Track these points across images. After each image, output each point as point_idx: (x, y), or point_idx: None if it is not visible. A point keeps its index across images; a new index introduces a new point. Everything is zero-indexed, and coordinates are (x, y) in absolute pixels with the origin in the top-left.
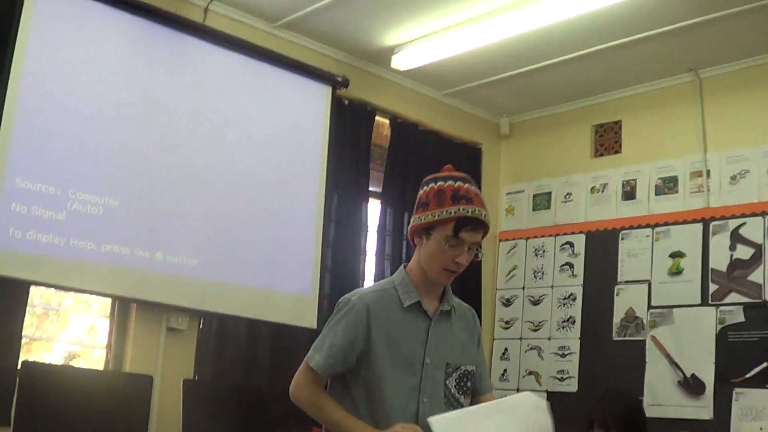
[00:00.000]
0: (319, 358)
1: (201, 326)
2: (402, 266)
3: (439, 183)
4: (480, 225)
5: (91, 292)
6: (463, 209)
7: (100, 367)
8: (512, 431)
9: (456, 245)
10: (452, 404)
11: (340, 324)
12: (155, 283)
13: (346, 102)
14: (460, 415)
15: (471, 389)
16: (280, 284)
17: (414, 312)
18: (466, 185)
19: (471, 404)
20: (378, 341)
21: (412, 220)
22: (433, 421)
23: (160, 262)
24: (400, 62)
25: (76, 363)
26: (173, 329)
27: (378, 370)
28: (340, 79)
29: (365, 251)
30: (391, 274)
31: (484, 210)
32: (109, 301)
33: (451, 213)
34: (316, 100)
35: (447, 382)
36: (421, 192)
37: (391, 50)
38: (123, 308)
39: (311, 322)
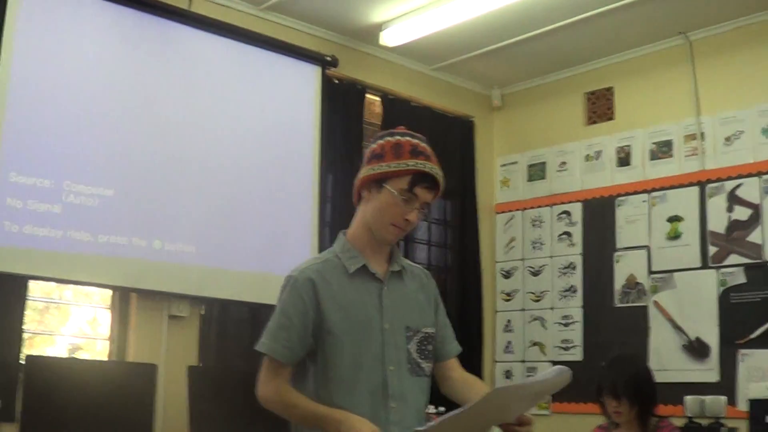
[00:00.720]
0: (276, 345)
1: (203, 313)
2: (340, 233)
3: (397, 137)
4: (435, 184)
5: (90, 284)
6: (421, 164)
7: (104, 358)
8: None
9: (409, 200)
10: (415, 370)
11: (288, 304)
12: (154, 271)
13: (336, 81)
14: (446, 424)
15: (433, 352)
16: (280, 266)
17: (362, 277)
18: (424, 144)
19: (434, 370)
20: (329, 313)
21: (362, 172)
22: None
23: (158, 250)
24: (388, 39)
25: (80, 355)
26: (175, 317)
27: (334, 342)
28: (329, 59)
29: None
30: None
31: (440, 170)
32: (109, 292)
33: (408, 166)
34: (306, 80)
35: (408, 346)
36: (374, 145)
37: (379, 27)
38: (123, 298)
39: None
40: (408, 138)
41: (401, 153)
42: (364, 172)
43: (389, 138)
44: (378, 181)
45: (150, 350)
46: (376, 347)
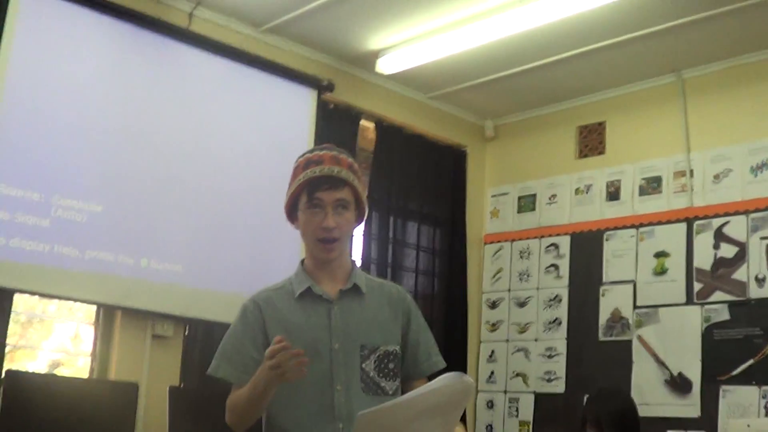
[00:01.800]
0: (232, 370)
1: (186, 333)
2: (300, 261)
3: (298, 159)
4: (337, 181)
5: (75, 300)
6: (311, 171)
7: (85, 375)
8: (434, 421)
9: (316, 208)
10: (372, 389)
11: (237, 330)
12: (140, 289)
13: (332, 106)
14: (387, 408)
15: (396, 371)
16: None
17: (308, 299)
18: (323, 152)
19: (403, 387)
20: (273, 336)
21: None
22: (359, 415)
23: (144, 268)
24: (384, 66)
25: (60, 371)
26: (158, 336)
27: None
28: (325, 83)
29: (351, 256)
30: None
31: (339, 167)
32: (93, 308)
33: (299, 180)
34: (302, 104)
35: (364, 365)
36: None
37: (376, 54)
38: (108, 315)
39: None
40: (307, 154)
41: (296, 173)
42: (285, 207)
43: (299, 158)
44: (293, 208)
45: (132, 369)
46: (324, 367)
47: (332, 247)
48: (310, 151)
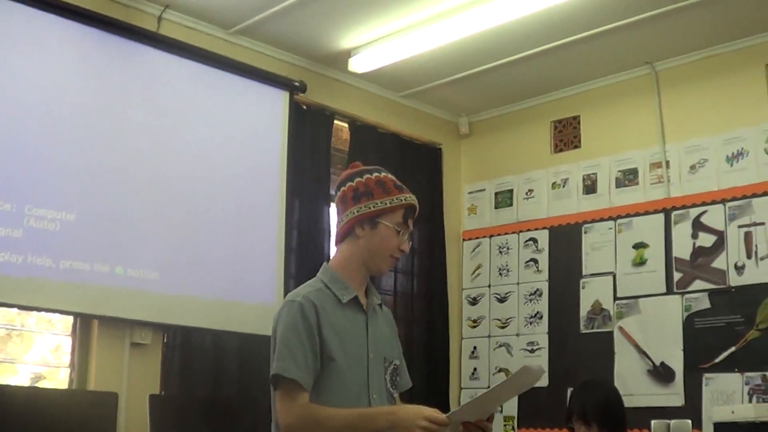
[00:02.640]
0: (298, 370)
1: (165, 340)
2: (325, 265)
3: (375, 174)
4: (416, 215)
5: (50, 311)
6: (409, 197)
7: (66, 386)
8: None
9: (404, 232)
10: (390, 400)
11: (300, 328)
12: (117, 298)
13: (305, 107)
14: (471, 404)
15: (399, 383)
16: (244, 294)
17: (352, 307)
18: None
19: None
20: (329, 339)
21: (352, 211)
22: (451, 415)
23: (120, 276)
24: (357, 65)
25: (43, 384)
26: (137, 344)
27: (335, 368)
28: (297, 84)
29: (329, 256)
30: None
31: None
32: (71, 318)
33: (401, 200)
34: (274, 105)
35: (385, 376)
36: (352, 183)
37: (348, 53)
38: (85, 325)
39: None
40: (384, 173)
41: (388, 189)
42: (357, 210)
43: (368, 176)
44: (373, 218)
45: (111, 378)
46: (363, 376)
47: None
48: (384, 171)
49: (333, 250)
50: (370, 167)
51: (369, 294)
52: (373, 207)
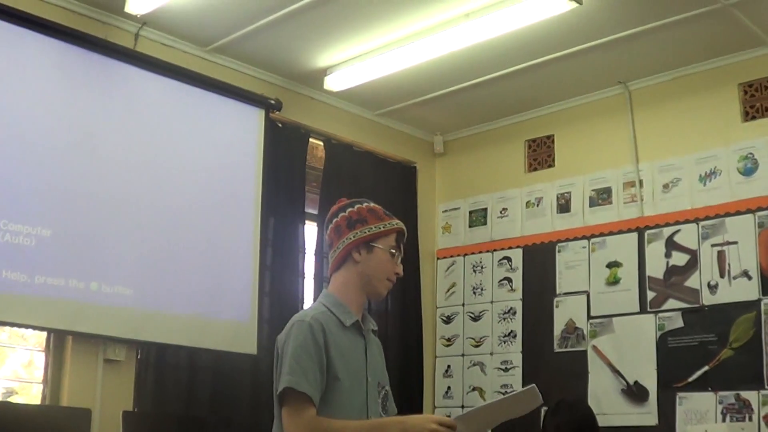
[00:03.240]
0: (308, 385)
1: (139, 356)
2: (325, 290)
3: (365, 204)
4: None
5: (24, 326)
6: (399, 222)
7: (39, 402)
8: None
9: (397, 256)
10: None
11: (309, 345)
12: (91, 314)
13: (280, 125)
14: (478, 411)
15: (389, 409)
16: (219, 311)
17: (353, 331)
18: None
19: None
20: (335, 359)
21: (348, 237)
22: (457, 418)
23: (95, 292)
24: (332, 83)
25: (15, 399)
26: (111, 360)
27: (339, 388)
28: (273, 102)
29: (303, 274)
30: None
31: None
32: (44, 334)
33: (393, 225)
34: (250, 123)
35: (379, 400)
36: (345, 213)
37: (324, 72)
38: (59, 341)
39: (251, 348)
40: (373, 204)
41: (380, 215)
42: (353, 236)
43: (359, 205)
44: (368, 243)
45: (85, 394)
46: (363, 397)
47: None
48: (372, 202)
49: (308, 267)
50: (359, 199)
51: (365, 320)
52: (368, 231)
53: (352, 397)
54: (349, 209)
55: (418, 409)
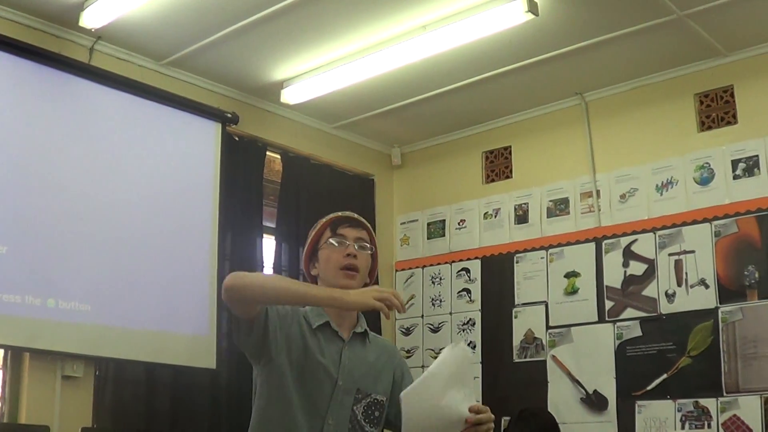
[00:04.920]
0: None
1: (97, 373)
2: None
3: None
4: (357, 222)
5: None
6: (331, 215)
7: None
8: (460, 393)
9: (340, 241)
10: (356, 430)
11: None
12: (48, 330)
13: (237, 138)
14: (421, 381)
15: (380, 419)
16: (177, 325)
17: (325, 333)
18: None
19: None
20: (288, 349)
21: (303, 261)
22: (403, 394)
23: (52, 308)
24: (289, 96)
25: None
26: (69, 377)
27: (282, 381)
28: (229, 116)
29: None
30: None
31: (358, 217)
32: (1, 351)
33: (322, 221)
34: (207, 137)
35: (354, 407)
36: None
37: (280, 85)
38: (16, 358)
39: (210, 363)
40: (322, 218)
41: (316, 225)
42: (304, 259)
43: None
44: (313, 252)
45: (43, 411)
46: (324, 398)
47: (355, 275)
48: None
49: None
50: None
51: (360, 324)
52: (308, 244)
53: (301, 393)
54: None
55: None
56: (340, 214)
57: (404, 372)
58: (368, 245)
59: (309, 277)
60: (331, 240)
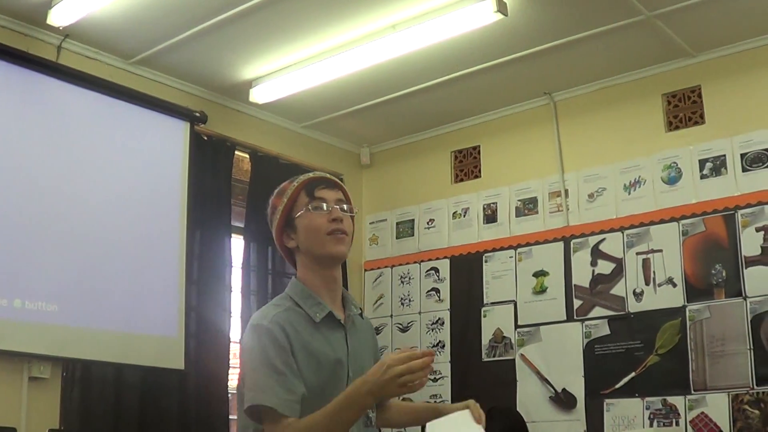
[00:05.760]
0: (278, 399)
1: (64, 373)
2: (293, 279)
3: (276, 190)
4: (333, 183)
5: None
6: (302, 177)
7: None
8: None
9: (320, 204)
10: (364, 419)
11: (270, 354)
12: (14, 331)
13: (205, 137)
14: (452, 420)
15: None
16: (145, 326)
17: (328, 324)
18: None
19: (377, 413)
20: (302, 364)
21: (274, 234)
22: (429, 426)
23: (18, 309)
24: (258, 96)
25: None
26: (36, 378)
27: (304, 402)
28: (198, 115)
29: (231, 287)
30: (258, 309)
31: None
32: None
33: (294, 185)
34: (175, 136)
35: None
36: (268, 210)
37: (249, 84)
38: None
39: (179, 363)
40: (280, 186)
41: (283, 190)
42: (273, 230)
43: (271, 198)
44: (288, 223)
45: (10, 413)
46: (340, 389)
47: (345, 239)
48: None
49: (235, 280)
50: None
51: (346, 304)
52: (279, 214)
53: (323, 402)
54: (267, 210)
55: None
56: (312, 175)
57: (377, 345)
58: (348, 206)
59: (283, 250)
60: (310, 205)
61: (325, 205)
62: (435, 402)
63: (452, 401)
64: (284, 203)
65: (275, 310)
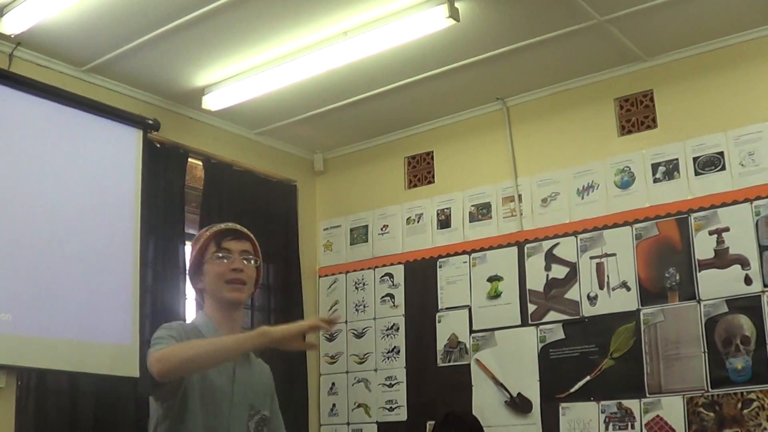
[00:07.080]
0: (165, 343)
1: (19, 383)
2: (201, 311)
3: (195, 236)
4: (240, 234)
5: None
6: (215, 227)
7: None
8: None
9: (224, 255)
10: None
11: (173, 331)
12: None
13: (158, 145)
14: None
15: None
16: (100, 334)
17: None
18: (221, 225)
19: None
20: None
21: (189, 279)
22: None
23: None
24: (211, 103)
25: None
26: None
27: (188, 404)
28: (150, 122)
29: (185, 295)
30: None
31: (241, 227)
32: None
33: (206, 235)
34: (127, 144)
35: (249, 423)
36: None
37: (202, 91)
38: None
39: (133, 371)
40: (203, 229)
41: (198, 238)
42: (189, 276)
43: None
44: (197, 265)
45: None
46: (224, 418)
47: (242, 288)
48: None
49: (189, 288)
50: None
51: None
52: (191, 261)
53: (206, 415)
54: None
55: (303, 428)
56: (222, 226)
57: (274, 394)
58: (253, 257)
59: (194, 289)
60: (216, 254)
61: (228, 255)
62: (390, 408)
63: (408, 406)
64: (197, 249)
65: (176, 324)
